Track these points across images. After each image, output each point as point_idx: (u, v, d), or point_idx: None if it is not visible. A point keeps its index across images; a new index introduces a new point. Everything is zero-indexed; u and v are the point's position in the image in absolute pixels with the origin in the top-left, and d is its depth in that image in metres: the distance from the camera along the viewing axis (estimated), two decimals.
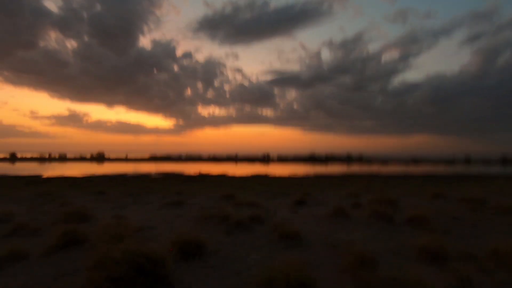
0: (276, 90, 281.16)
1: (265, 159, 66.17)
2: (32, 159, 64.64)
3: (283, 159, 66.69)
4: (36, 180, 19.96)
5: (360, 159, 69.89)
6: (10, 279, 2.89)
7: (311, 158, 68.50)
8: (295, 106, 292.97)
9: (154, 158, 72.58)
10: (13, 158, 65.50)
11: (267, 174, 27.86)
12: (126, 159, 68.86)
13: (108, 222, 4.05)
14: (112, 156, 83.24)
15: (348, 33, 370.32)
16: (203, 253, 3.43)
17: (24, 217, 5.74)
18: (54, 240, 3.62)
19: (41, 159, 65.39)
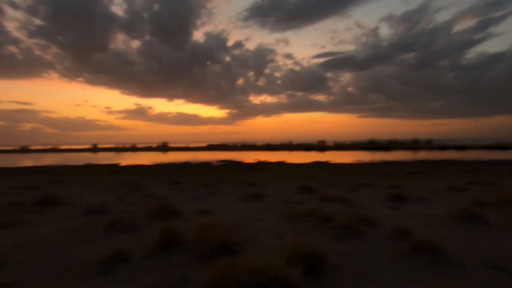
0: (329, 74, 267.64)
1: (321, 146, 63.77)
2: (109, 149, 72.91)
3: (340, 146, 63.41)
4: (116, 168, 22.02)
5: (429, 144, 62.64)
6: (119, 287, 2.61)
7: (371, 145, 63.78)
8: (350, 90, 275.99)
9: (211, 147, 75.74)
10: (95, 148, 74.89)
11: (327, 161, 26.47)
12: (186, 148, 73.15)
13: (202, 221, 3.68)
14: (174, 145, 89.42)
15: (411, 4, 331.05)
16: (325, 268, 2.76)
17: (116, 208, 5.86)
18: (154, 241, 3.33)
19: (117, 149, 73.37)
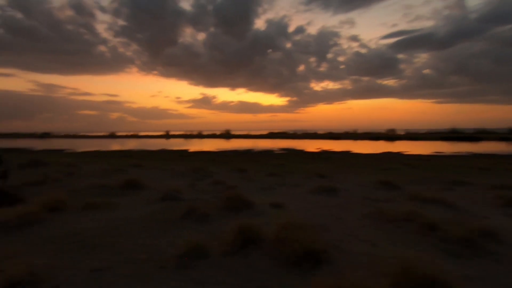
0: (400, 56, 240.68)
1: (391, 135, 58.22)
2: (179, 136, 79.25)
3: (413, 135, 56.91)
4: (185, 154, 23.61)
5: None
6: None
7: (454, 134, 55.43)
8: (426, 72, 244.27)
9: (272, 135, 76.04)
10: (167, 135, 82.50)
11: (400, 152, 23.81)
12: (248, 136, 74.90)
13: (278, 218, 3.33)
14: (237, 133, 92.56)
15: None
16: None
17: (189, 195, 5.97)
18: (231, 237, 3.10)
19: (185, 136, 79.36)
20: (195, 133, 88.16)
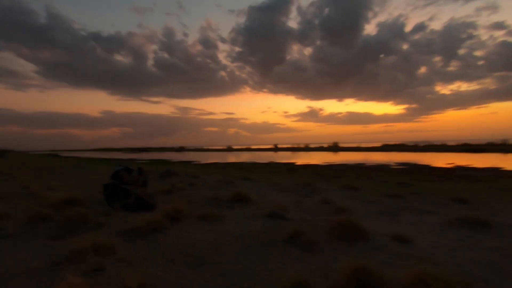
0: None
1: None
2: (287, 149, 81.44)
3: None
4: (292, 167, 23.71)
5: None
6: None
7: None
8: None
9: (386, 147, 68.12)
10: (276, 148, 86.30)
11: None
12: (358, 148, 69.59)
13: (408, 263, 2.50)
14: (345, 145, 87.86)
15: None
16: None
17: (294, 213, 5.60)
18: (343, 279, 2.49)
19: (292, 149, 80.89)
20: (302, 146, 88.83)
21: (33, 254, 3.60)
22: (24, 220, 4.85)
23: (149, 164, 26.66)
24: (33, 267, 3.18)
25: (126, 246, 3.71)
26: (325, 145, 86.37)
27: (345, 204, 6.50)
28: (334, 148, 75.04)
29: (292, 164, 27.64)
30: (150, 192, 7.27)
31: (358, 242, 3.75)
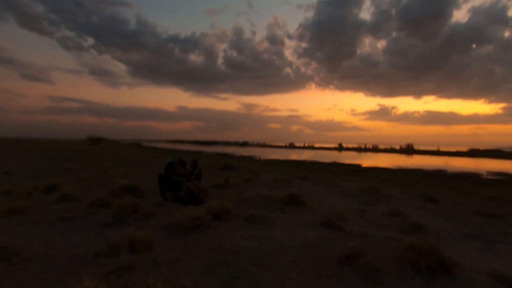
0: None
1: None
2: (352, 149, 76.74)
3: None
4: (357, 168, 21.87)
5: None
6: None
7: None
8: None
9: (475, 152, 58.29)
10: (340, 148, 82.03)
11: None
12: (437, 152, 61.21)
13: None
14: (421, 148, 78.35)
15: None
16: None
17: (355, 225, 4.79)
18: None
19: (359, 149, 75.77)
20: (369, 146, 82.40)
21: (84, 240, 3.71)
22: (87, 204, 5.21)
23: (213, 157, 27.90)
24: (78, 254, 3.22)
25: (164, 243, 3.55)
26: (397, 147, 78.26)
27: (420, 219, 5.34)
28: (408, 150, 67.39)
29: (357, 165, 25.54)
30: (203, 186, 7.24)
31: (440, 277, 2.83)
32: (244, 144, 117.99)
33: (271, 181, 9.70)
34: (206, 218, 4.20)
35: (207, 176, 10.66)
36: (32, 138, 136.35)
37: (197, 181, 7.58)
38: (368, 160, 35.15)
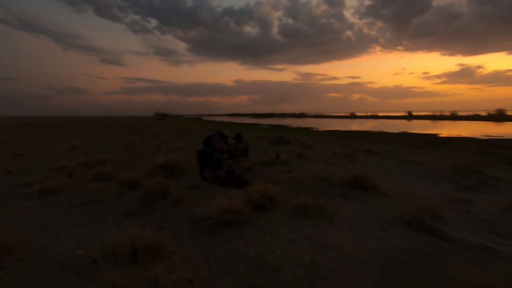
0: None
1: None
2: (424, 117, 67.85)
3: None
4: (433, 139, 18.53)
5: None
6: None
7: None
8: None
9: None
10: (410, 116, 73.28)
11: None
12: None
13: None
14: None
15: None
16: None
17: (457, 228, 3.24)
18: None
19: (433, 117, 66.59)
20: (446, 113, 71.61)
21: (95, 234, 3.06)
22: (119, 185, 4.68)
23: (267, 129, 27.02)
24: (76, 257, 2.54)
25: (182, 246, 2.65)
26: (483, 113, 66.22)
27: None
28: (498, 117, 56.35)
29: (434, 135, 21.76)
30: (249, 164, 6.25)
31: None
32: (301, 115, 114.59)
33: (330, 157, 8.25)
34: (242, 212, 3.17)
35: (257, 150, 9.70)
36: (111, 116, 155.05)
37: (244, 157, 6.63)
38: (446, 130, 30.06)
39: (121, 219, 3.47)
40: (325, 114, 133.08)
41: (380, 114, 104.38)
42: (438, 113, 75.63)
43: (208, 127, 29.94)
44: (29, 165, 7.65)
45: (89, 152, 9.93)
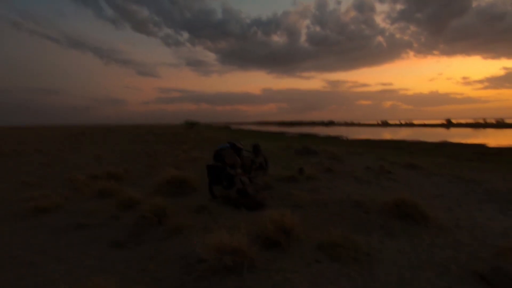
0: None
1: None
2: (465, 125, 62.63)
3: None
4: (482, 150, 16.41)
5: None
6: None
7: None
8: None
9: None
10: (448, 124, 68.06)
11: None
12: None
13: None
14: None
15: None
16: None
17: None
18: None
19: (475, 125, 61.23)
20: (491, 121, 65.58)
21: (70, 274, 2.46)
22: (116, 205, 4.13)
23: (293, 139, 26.05)
24: None
25: None
26: None
27: None
28: None
29: (482, 146, 19.41)
30: (265, 181, 5.46)
31: None
32: (330, 123, 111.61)
33: (363, 172, 7.20)
34: (246, 253, 2.39)
35: (280, 162, 8.89)
36: (146, 124, 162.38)
37: (262, 171, 5.87)
38: (493, 139, 26.97)
39: (106, 252, 2.85)
40: (355, 122, 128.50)
41: (415, 122, 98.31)
42: (481, 121, 69.57)
43: (233, 136, 29.63)
44: (48, 175, 7.52)
45: (110, 162, 9.78)
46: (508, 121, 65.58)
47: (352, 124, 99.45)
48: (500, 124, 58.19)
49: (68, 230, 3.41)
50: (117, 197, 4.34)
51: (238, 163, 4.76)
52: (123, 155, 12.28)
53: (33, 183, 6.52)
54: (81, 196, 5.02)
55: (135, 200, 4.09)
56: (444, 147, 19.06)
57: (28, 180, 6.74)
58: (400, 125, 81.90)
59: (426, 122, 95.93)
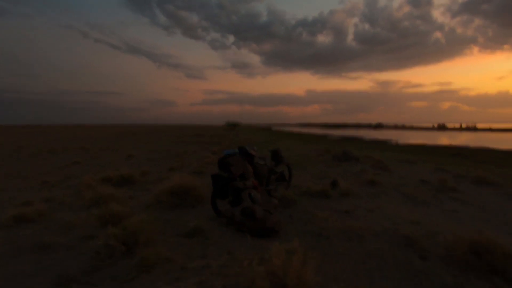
0: None
1: None
2: None
3: None
4: None
5: None
6: None
7: None
8: None
9: None
10: None
11: None
12: None
13: None
14: None
15: None
16: None
17: None
18: None
19: None
20: None
21: None
22: (97, 219, 3.47)
23: (335, 142, 24.21)
24: None
25: None
26: None
27: None
28: None
29: None
30: (284, 195, 4.40)
31: None
32: (378, 126, 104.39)
33: (416, 188, 5.70)
34: None
35: (313, 169, 7.72)
36: (192, 125, 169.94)
37: (284, 183, 4.85)
38: None
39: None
40: (406, 125, 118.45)
41: (479, 125, 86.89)
42: None
43: (272, 137, 28.71)
44: (70, 175, 7.42)
45: (137, 163, 9.60)
46: None
47: (403, 127, 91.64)
48: None
49: (27, 251, 2.81)
50: (105, 209, 3.71)
51: (249, 173, 3.82)
52: (154, 155, 12.16)
53: (55, 183, 6.38)
54: (77, 202, 4.54)
55: (121, 214, 3.39)
56: None
57: (49, 180, 6.64)
58: (461, 128, 73.06)
59: (493, 126, 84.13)
